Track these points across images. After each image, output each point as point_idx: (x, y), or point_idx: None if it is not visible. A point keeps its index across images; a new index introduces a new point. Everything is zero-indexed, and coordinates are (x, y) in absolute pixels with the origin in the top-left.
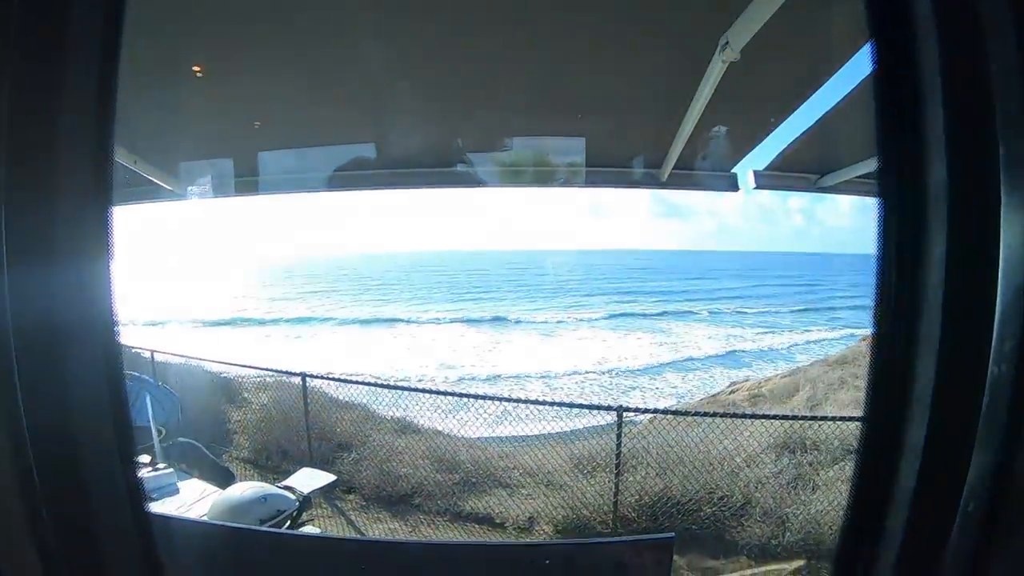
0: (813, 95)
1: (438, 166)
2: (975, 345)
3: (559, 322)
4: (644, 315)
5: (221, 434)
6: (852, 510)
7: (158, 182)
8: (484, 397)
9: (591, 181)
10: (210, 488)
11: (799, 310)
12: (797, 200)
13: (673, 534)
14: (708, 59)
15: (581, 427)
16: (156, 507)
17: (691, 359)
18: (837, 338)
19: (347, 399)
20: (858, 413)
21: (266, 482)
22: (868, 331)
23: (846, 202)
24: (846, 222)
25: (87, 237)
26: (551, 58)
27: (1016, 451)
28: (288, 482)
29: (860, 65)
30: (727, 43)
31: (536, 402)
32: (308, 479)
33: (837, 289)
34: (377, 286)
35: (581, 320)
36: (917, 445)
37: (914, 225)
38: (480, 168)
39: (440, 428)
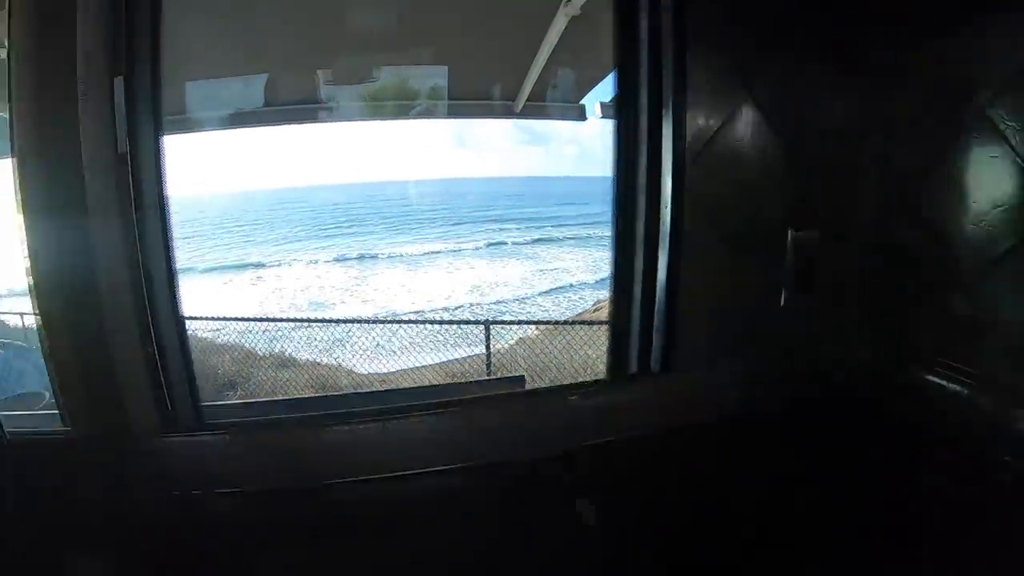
0: None
1: (297, 102)
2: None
3: (430, 254)
4: (516, 243)
5: None
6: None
7: None
8: (353, 321)
9: (451, 112)
10: None
11: None
12: None
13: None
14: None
15: (458, 356)
16: None
17: (563, 285)
18: None
19: (223, 342)
20: None
21: None
22: None
23: None
24: None
25: None
26: None
27: None
28: None
29: None
30: None
31: (406, 321)
32: None
33: None
34: (238, 228)
35: (452, 251)
36: None
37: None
38: (341, 102)
39: (320, 360)
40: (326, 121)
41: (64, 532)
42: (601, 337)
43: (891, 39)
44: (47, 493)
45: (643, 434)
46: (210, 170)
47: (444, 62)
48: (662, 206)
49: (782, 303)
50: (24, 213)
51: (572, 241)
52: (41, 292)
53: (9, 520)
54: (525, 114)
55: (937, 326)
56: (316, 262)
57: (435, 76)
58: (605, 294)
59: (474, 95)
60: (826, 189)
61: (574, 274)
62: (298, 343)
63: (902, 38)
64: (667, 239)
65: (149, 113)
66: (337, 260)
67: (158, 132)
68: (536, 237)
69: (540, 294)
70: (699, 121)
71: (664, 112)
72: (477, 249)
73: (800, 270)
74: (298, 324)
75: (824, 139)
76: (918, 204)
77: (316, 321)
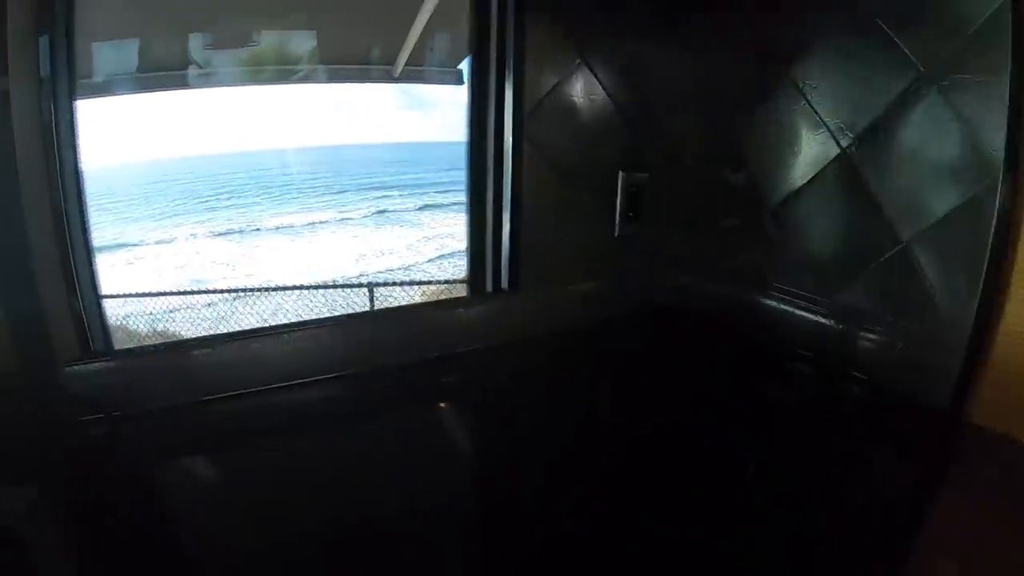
0: None
1: (172, 68)
2: None
3: (315, 224)
4: (401, 210)
5: None
6: None
7: None
8: (241, 290)
9: (331, 77)
10: None
11: None
12: None
13: None
14: None
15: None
16: None
17: (450, 252)
18: None
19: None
20: None
21: None
22: None
23: None
24: None
25: None
26: None
27: None
28: None
29: None
30: None
31: (286, 288)
32: None
33: None
34: (111, 204)
35: (338, 220)
36: None
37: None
38: (219, 67)
39: (198, 332)
40: (202, 87)
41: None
42: None
43: (713, 4)
44: None
45: (499, 343)
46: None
47: (323, 26)
48: (505, 153)
49: (616, 233)
50: None
51: (457, 207)
52: None
53: None
54: (404, 78)
55: (747, 249)
56: (195, 236)
57: (313, 40)
58: None
59: (353, 59)
60: (654, 139)
61: (460, 240)
62: (181, 323)
63: (723, 4)
64: (510, 180)
65: (65, 75)
66: (219, 235)
67: (73, 96)
68: (422, 204)
69: (427, 261)
70: (540, 80)
71: (506, 73)
72: (364, 218)
73: (630, 204)
74: (179, 303)
75: (652, 96)
76: (736, 150)
77: (198, 293)
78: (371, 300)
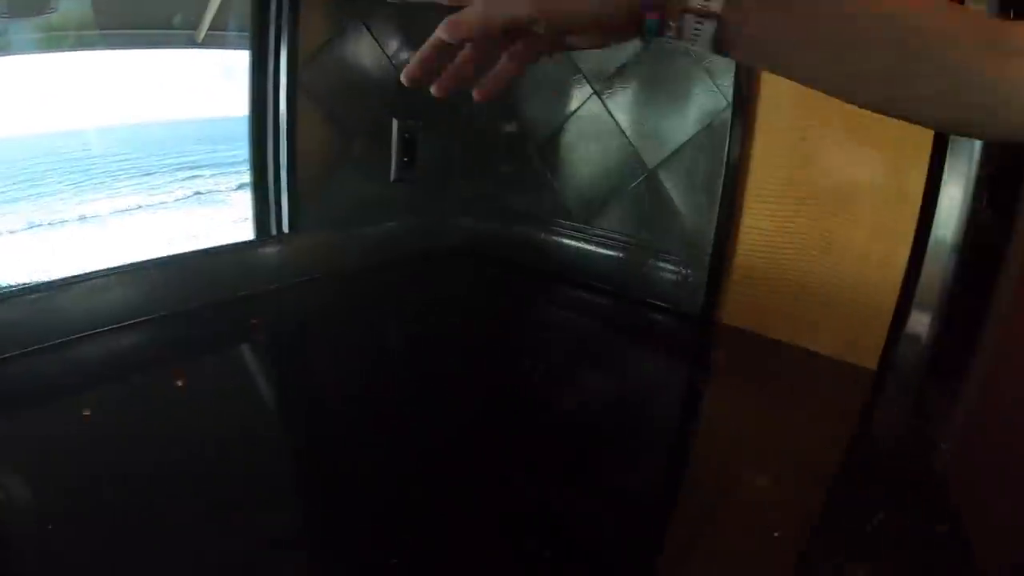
0: None
1: None
2: None
3: (125, 211)
4: (217, 190)
5: None
6: None
7: None
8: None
9: (134, 43)
10: None
11: None
12: None
13: None
14: None
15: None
16: None
17: None
18: None
19: None
20: None
21: None
22: None
23: None
24: None
25: None
26: None
27: None
28: None
29: None
30: None
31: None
32: None
33: None
34: None
35: (150, 205)
36: None
37: None
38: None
39: None
40: None
41: None
42: None
43: None
44: None
45: (283, 285)
46: None
47: None
48: (281, 105)
49: (392, 177)
50: None
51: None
52: None
53: None
54: (207, 44)
55: (520, 190)
56: None
57: (114, 5)
58: None
59: (157, 24)
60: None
61: None
62: None
63: None
64: (285, 128)
65: None
66: (18, 231)
67: None
68: (239, 183)
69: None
70: (316, 38)
71: (283, 31)
72: (177, 201)
73: (405, 150)
74: None
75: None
76: (506, 99)
77: None
78: None
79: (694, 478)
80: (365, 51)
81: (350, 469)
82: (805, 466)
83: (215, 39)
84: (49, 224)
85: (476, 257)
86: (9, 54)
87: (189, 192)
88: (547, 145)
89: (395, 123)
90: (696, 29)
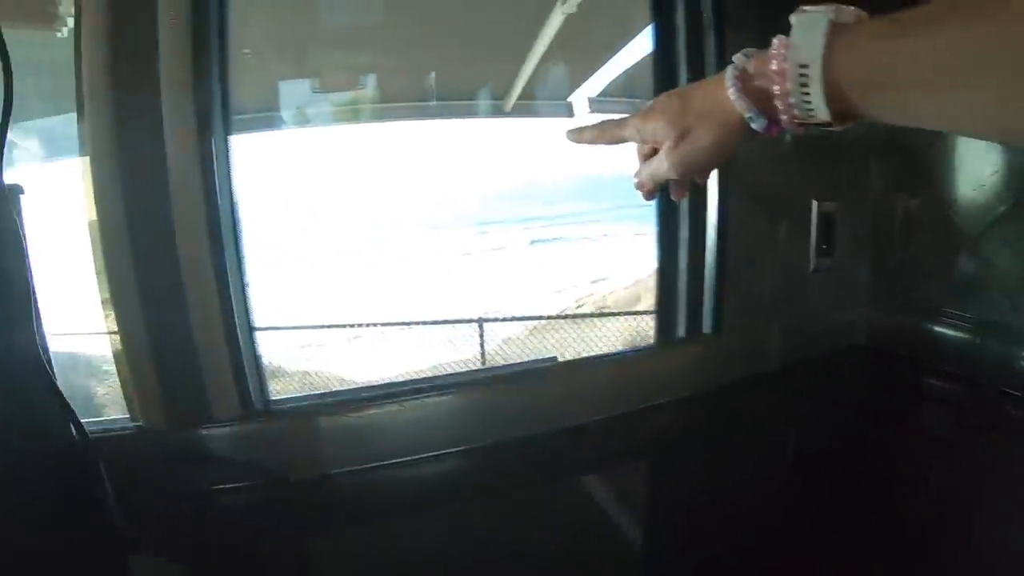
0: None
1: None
2: None
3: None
4: (514, 243)
5: None
6: None
7: None
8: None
9: (440, 113)
10: None
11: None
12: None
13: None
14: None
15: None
16: None
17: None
18: None
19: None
20: None
21: None
22: None
23: None
24: None
25: None
26: None
27: None
28: None
29: None
30: None
31: (393, 324)
32: None
33: None
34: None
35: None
36: None
37: None
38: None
39: (308, 368)
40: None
41: (143, 522)
42: (587, 330)
43: None
44: (125, 485)
45: (695, 393)
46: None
47: (436, 62)
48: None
49: (812, 266)
50: (99, 214)
51: (566, 240)
52: (116, 289)
53: (96, 515)
54: (514, 113)
55: (938, 279)
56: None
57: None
58: (592, 289)
59: (464, 95)
60: (840, 165)
61: (568, 274)
62: (286, 353)
63: None
64: (714, 219)
65: (220, 109)
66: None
67: (228, 129)
68: (533, 238)
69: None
70: None
71: None
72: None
73: (824, 235)
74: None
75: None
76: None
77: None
78: (481, 333)
79: None
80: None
81: None
82: None
83: (521, 107)
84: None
85: (884, 355)
86: (333, 124)
87: (491, 246)
88: (980, 233)
89: (815, 205)
90: (805, 98)
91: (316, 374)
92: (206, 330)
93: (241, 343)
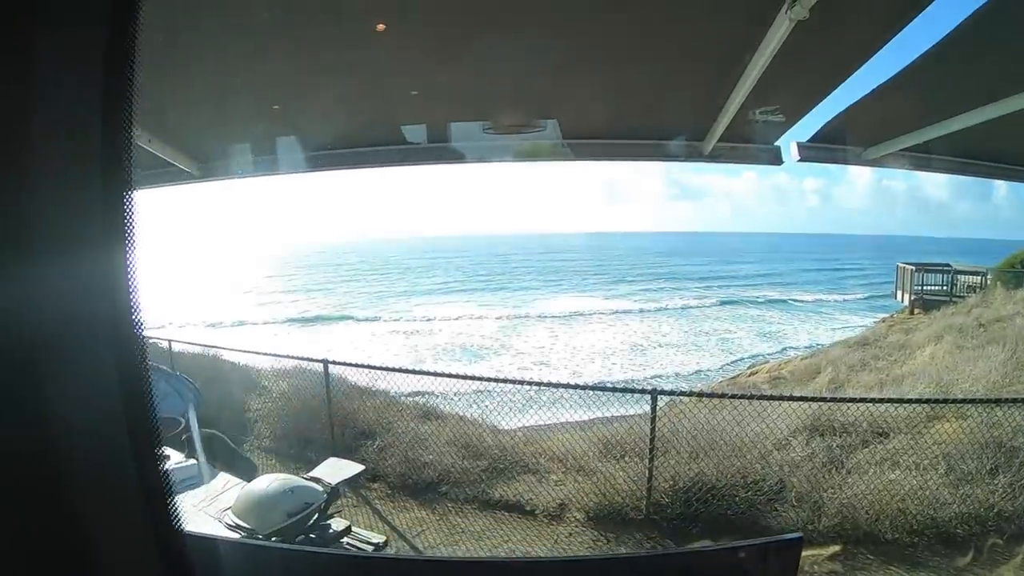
0: (868, 62)
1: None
2: None
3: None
4: (702, 305)
5: (241, 424)
6: None
7: (174, 163)
8: (509, 381)
9: (628, 154)
10: (234, 480)
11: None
12: (812, 181)
13: (800, 534)
14: (769, 20)
15: (609, 415)
16: (181, 500)
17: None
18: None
19: (368, 386)
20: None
21: (291, 473)
22: None
23: (863, 184)
24: (862, 203)
25: (103, 224)
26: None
27: None
28: (314, 473)
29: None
30: None
31: (566, 386)
32: (334, 469)
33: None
34: (398, 272)
35: (623, 311)
36: None
37: None
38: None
39: (464, 414)
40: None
41: None
42: (767, 409)
43: None
44: None
45: None
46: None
47: (637, 102)
48: None
49: None
50: None
51: (763, 303)
52: None
53: None
54: (715, 156)
55: None
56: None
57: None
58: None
59: (662, 135)
60: None
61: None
62: (445, 391)
63: None
64: None
65: None
66: (503, 319)
67: None
68: (721, 299)
69: (720, 367)
70: None
71: None
72: (643, 312)
73: None
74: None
75: None
76: None
77: (464, 377)
78: (653, 406)
79: None
80: None
81: None
82: None
83: (721, 150)
84: (530, 316)
85: None
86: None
87: (680, 305)
88: None
89: None
90: None
91: (469, 419)
92: None
93: None
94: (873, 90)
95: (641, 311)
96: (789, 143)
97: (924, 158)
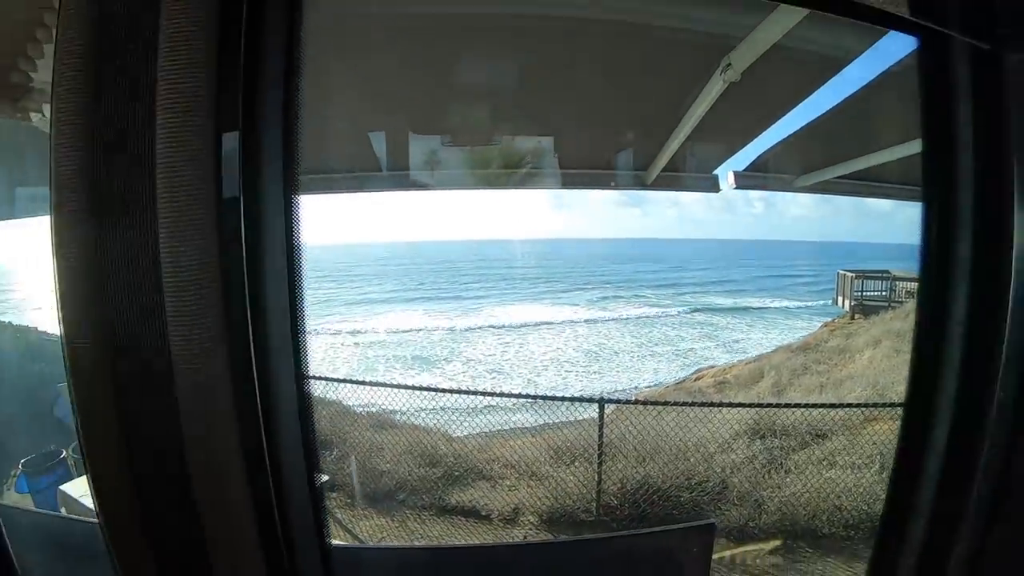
0: (801, 103)
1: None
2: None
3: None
4: (663, 315)
5: None
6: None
7: None
8: (464, 392)
9: (577, 183)
10: None
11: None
12: (758, 191)
13: (713, 521)
14: (707, 77)
15: (556, 421)
16: None
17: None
18: None
19: (321, 395)
20: (821, 399)
21: None
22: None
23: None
24: (807, 211)
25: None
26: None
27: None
28: None
29: (850, 76)
30: (729, 64)
31: (518, 395)
32: None
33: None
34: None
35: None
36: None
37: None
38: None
39: (419, 423)
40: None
41: None
42: (710, 414)
43: None
44: None
45: None
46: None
47: (568, 131)
48: None
49: None
50: None
51: (734, 312)
52: None
53: None
54: (657, 185)
55: None
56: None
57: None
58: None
59: (606, 166)
60: None
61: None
62: (394, 406)
63: None
64: None
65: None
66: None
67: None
68: (695, 307)
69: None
70: None
71: None
72: (607, 321)
73: None
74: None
75: None
76: None
77: (420, 389)
78: (601, 414)
79: None
80: None
81: None
82: None
83: (664, 180)
84: (513, 325)
85: None
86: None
87: (629, 314)
88: None
89: None
90: None
91: (422, 428)
92: None
93: None
94: (796, 131)
95: (594, 320)
96: (726, 172)
97: (846, 184)
